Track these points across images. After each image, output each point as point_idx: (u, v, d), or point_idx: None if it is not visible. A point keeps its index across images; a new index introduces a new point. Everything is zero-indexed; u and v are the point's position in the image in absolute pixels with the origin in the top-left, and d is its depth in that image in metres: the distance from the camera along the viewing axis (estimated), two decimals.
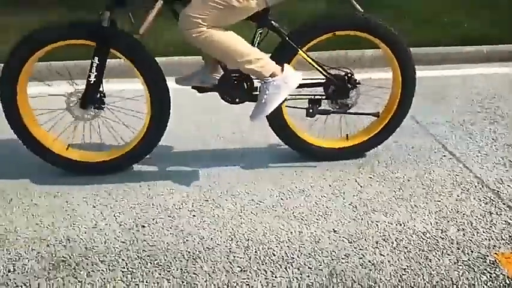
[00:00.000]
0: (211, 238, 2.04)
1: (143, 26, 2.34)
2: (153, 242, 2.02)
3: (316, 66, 2.46)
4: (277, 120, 2.54)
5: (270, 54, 2.38)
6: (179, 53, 4.20)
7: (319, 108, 2.53)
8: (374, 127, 2.67)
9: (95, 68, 2.32)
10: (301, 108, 2.52)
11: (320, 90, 2.52)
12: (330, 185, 2.42)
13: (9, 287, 1.78)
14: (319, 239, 2.02)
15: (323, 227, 2.10)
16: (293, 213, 2.20)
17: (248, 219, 2.16)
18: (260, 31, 2.37)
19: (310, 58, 2.45)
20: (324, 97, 2.53)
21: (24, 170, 2.55)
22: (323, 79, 2.50)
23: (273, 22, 2.36)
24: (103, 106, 2.42)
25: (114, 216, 2.19)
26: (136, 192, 2.37)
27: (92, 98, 2.38)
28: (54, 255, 1.94)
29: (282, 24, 2.39)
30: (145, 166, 2.60)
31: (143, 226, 2.12)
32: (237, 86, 2.44)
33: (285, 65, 2.33)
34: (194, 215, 2.19)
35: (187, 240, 2.02)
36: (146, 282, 1.80)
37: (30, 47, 2.30)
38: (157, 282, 1.79)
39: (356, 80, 2.51)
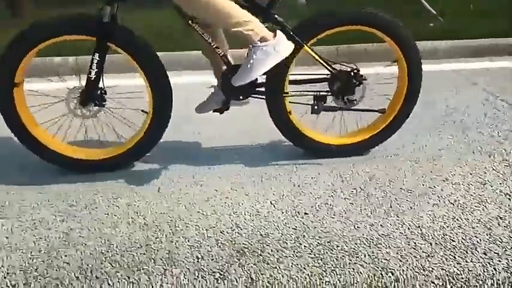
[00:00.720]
0: (381, 225, 2.05)
1: None
2: (325, 229, 2.02)
3: (321, 61, 2.43)
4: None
5: None
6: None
7: (324, 104, 2.49)
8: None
9: (95, 64, 2.28)
10: (306, 104, 2.49)
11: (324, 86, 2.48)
12: (470, 173, 2.43)
13: (205, 273, 1.78)
14: (490, 226, 2.03)
15: (487, 214, 2.11)
16: (448, 200, 2.21)
17: (408, 207, 2.17)
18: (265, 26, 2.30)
19: (315, 53, 2.41)
20: (329, 93, 2.48)
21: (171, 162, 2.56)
22: (328, 75, 2.46)
23: (277, 17, 2.33)
24: (104, 103, 2.37)
25: (271, 203, 2.20)
26: (279, 181, 2.38)
27: (92, 95, 2.34)
28: (233, 242, 1.94)
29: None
30: (281, 158, 2.61)
31: (306, 213, 2.13)
32: None
33: (278, 31, 2.24)
34: (351, 203, 2.20)
35: (358, 228, 2.03)
36: (341, 267, 1.80)
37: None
38: (353, 268, 1.80)
39: (362, 75, 2.47)
